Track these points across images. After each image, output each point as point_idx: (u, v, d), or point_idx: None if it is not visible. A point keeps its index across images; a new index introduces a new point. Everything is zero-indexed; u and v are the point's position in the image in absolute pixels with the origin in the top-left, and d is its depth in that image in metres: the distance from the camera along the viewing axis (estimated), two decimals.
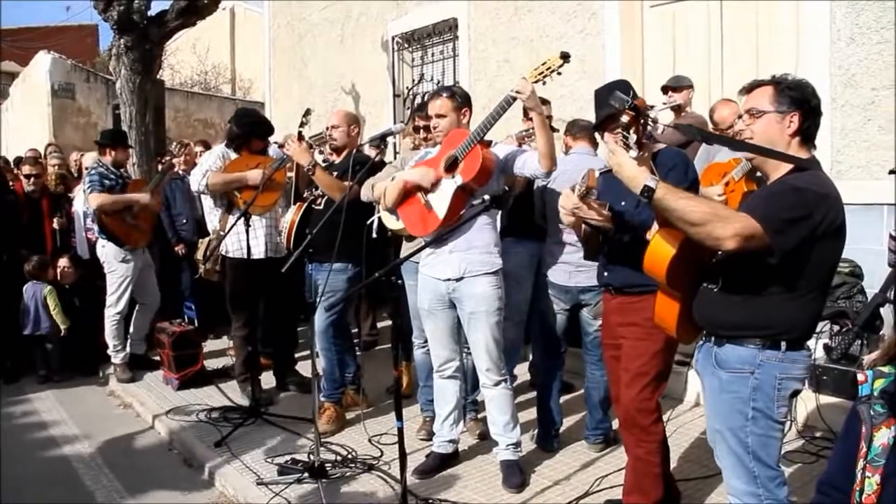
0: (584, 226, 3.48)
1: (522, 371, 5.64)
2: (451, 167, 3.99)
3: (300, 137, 5.17)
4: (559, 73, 3.70)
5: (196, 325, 7.10)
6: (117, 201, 6.40)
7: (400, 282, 4.46)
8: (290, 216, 5.30)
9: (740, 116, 2.75)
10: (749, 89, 2.72)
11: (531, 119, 4.71)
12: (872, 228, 5.27)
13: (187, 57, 20.94)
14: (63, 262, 7.10)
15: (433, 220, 4.05)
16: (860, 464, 1.53)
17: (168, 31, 9.16)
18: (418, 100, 9.08)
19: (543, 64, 3.69)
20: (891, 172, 3.83)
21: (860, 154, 5.59)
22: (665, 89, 6.02)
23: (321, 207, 5.10)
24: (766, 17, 6.28)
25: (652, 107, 3.24)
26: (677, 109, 5.92)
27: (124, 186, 6.56)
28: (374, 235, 4.88)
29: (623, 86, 3.49)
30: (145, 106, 8.73)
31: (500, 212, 4.45)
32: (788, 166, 2.59)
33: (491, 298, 4.06)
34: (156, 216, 6.95)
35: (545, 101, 5.67)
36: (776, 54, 6.16)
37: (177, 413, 5.57)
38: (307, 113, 5.41)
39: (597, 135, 4.02)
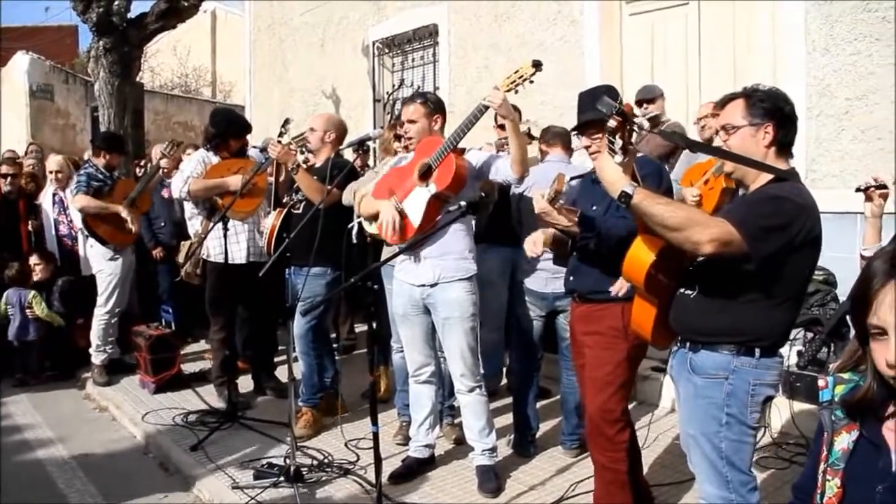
0: (552, 230, 3.50)
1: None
2: (425, 175, 4.01)
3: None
4: (531, 82, 3.71)
5: (173, 328, 7.06)
6: (99, 207, 6.37)
7: (377, 287, 4.47)
8: (271, 221, 5.30)
9: (717, 133, 2.77)
10: (722, 104, 2.75)
11: (501, 127, 4.76)
12: (846, 237, 5.32)
13: (167, 59, 20.83)
14: (33, 259, 7.00)
15: (408, 228, 4.07)
16: (821, 467, 1.56)
17: (148, 33, 9.12)
18: (398, 105, 9.10)
19: (516, 72, 3.71)
20: (857, 190, 3.87)
21: (834, 163, 5.66)
22: (639, 103, 6.06)
23: (300, 212, 5.10)
24: (743, 25, 6.35)
25: (636, 115, 3.27)
26: (654, 120, 5.96)
27: (113, 187, 6.53)
28: (354, 241, 4.89)
29: (608, 91, 3.52)
30: (124, 108, 8.68)
31: (474, 218, 4.45)
32: (768, 177, 2.61)
33: (465, 304, 4.07)
34: (141, 217, 6.90)
35: (516, 109, 5.71)
36: (753, 63, 6.24)
37: (153, 417, 5.53)
38: (286, 123, 5.43)
39: (575, 136, 4.02)
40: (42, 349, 6.84)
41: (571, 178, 3.74)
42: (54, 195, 7.33)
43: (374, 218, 4.26)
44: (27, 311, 6.74)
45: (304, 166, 5.18)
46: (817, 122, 5.72)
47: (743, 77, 6.01)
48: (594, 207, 3.47)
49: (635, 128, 2.76)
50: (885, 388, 1.47)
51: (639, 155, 3.65)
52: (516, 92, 3.72)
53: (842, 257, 5.30)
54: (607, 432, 3.45)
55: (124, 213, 6.38)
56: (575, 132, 3.77)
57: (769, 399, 2.70)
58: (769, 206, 2.50)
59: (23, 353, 6.81)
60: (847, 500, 1.48)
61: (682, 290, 2.76)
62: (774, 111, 2.62)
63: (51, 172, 7.40)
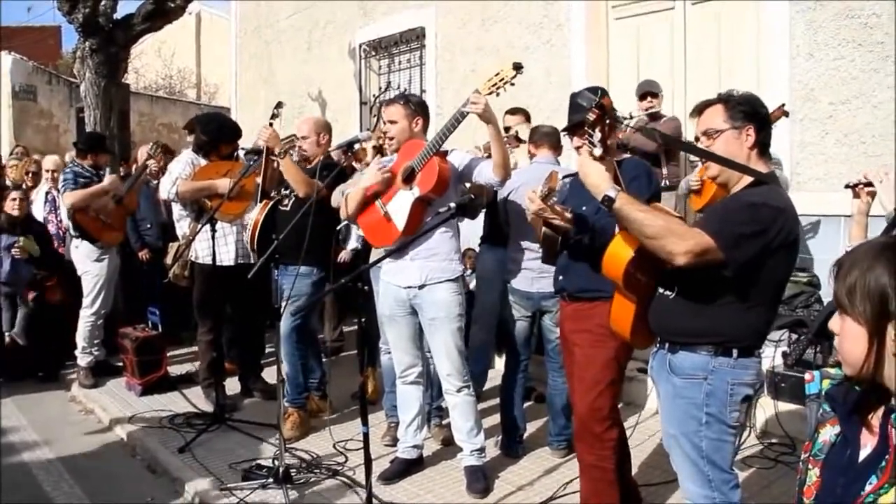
0: (543, 228, 3.53)
1: (494, 375, 5.67)
2: (409, 179, 4.03)
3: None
4: (512, 84, 3.73)
5: (160, 330, 7.04)
6: (86, 196, 6.32)
7: (367, 288, 4.48)
8: (255, 215, 5.27)
9: (697, 139, 2.80)
10: (699, 111, 2.78)
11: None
12: (830, 239, 5.40)
13: (152, 60, 20.79)
14: (16, 193, 6.84)
15: (393, 231, 4.10)
16: (804, 456, 1.60)
17: (134, 34, 9.09)
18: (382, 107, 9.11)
19: (497, 75, 3.73)
20: (847, 186, 3.93)
21: (818, 167, 5.73)
22: (644, 96, 6.09)
23: (288, 209, 5.10)
24: (728, 30, 6.40)
25: (623, 119, 3.29)
26: (654, 116, 5.98)
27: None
28: (354, 244, 4.90)
29: (596, 91, 3.56)
30: (110, 110, 8.65)
31: (460, 220, 4.45)
32: (748, 180, 2.66)
33: (451, 305, 4.10)
34: (128, 216, 6.90)
35: (523, 112, 5.75)
36: (738, 67, 6.29)
37: (139, 419, 5.51)
38: (279, 105, 5.41)
39: (567, 136, 4.04)
40: (24, 348, 6.77)
41: (563, 177, 3.77)
42: (47, 194, 7.31)
43: (361, 213, 4.28)
44: (14, 250, 6.64)
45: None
46: (801, 126, 5.79)
47: (728, 81, 6.05)
48: (584, 207, 3.49)
49: (616, 122, 2.80)
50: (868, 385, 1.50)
51: (626, 157, 3.69)
52: (497, 95, 3.75)
53: (826, 259, 5.38)
54: (595, 430, 3.47)
55: (110, 184, 6.39)
56: (565, 132, 3.81)
57: (748, 398, 2.74)
58: (745, 213, 2.54)
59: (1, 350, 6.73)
60: (823, 490, 1.52)
61: (661, 291, 2.79)
62: (754, 114, 2.68)
63: (47, 171, 7.39)
